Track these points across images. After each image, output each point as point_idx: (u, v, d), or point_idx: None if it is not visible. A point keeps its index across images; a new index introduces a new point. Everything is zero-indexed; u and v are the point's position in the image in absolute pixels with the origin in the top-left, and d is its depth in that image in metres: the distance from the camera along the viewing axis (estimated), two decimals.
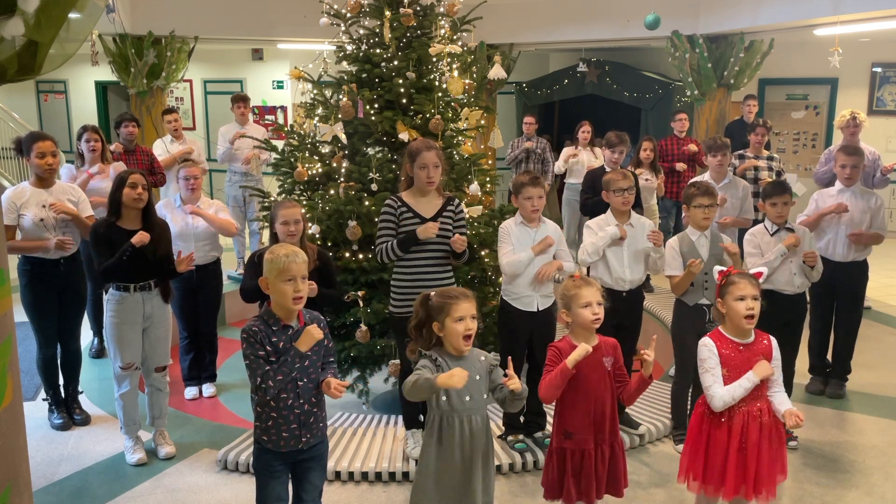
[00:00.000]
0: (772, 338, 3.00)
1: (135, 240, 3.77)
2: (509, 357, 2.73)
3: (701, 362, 2.95)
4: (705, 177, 5.33)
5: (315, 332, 2.68)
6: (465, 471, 2.69)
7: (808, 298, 4.33)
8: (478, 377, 2.72)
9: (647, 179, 6.56)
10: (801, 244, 4.08)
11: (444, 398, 2.68)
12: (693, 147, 7.45)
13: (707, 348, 2.94)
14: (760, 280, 3.01)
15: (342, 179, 4.71)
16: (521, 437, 4.01)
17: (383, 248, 3.72)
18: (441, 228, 3.74)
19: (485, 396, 2.75)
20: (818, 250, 4.31)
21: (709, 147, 5.36)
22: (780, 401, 2.91)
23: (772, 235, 4.14)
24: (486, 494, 2.76)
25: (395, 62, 4.77)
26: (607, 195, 4.20)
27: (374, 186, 4.55)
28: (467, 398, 2.68)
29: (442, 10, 4.98)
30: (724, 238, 4.06)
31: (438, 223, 3.64)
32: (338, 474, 3.80)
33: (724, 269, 3.06)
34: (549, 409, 4.08)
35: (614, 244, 4.09)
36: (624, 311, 3.99)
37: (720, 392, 2.87)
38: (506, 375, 2.68)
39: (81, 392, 4.71)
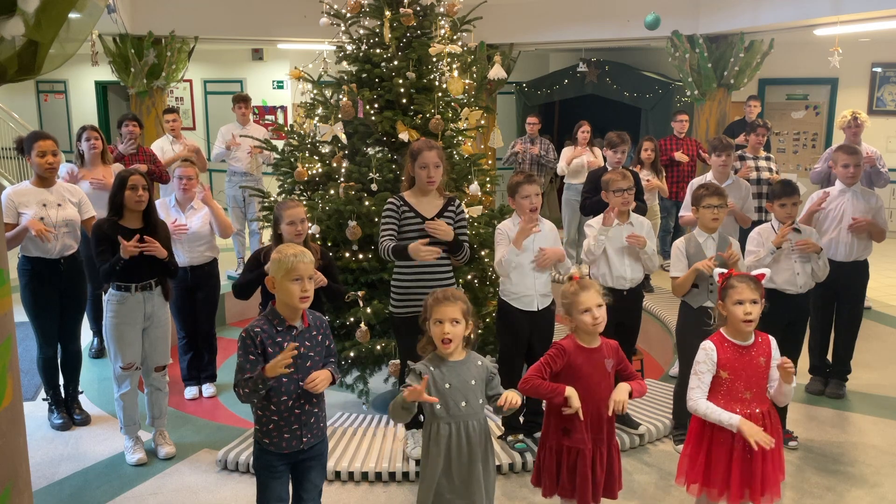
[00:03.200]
0: (771, 338, 2.99)
1: (124, 255, 3.74)
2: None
3: (695, 363, 2.97)
4: (708, 177, 5.33)
5: (285, 360, 2.57)
6: (464, 475, 2.70)
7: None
8: (473, 382, 2.72)
9: (647, 180, 6.56)
10: (792, 241, 4.08)
11: (438, 406, 2.69)
12: (684, 157, 7.39)
13: (705, 352, 2.94)
14: (763, 281, 2.99)
15: (342, 179, 4.71)
16: (521, 437, 4.01)
17: (382, 248, 3.73)
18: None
19: (480, 402, 2.75)
20: None
21: (713, 147, 5.36)
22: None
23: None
24: (487, 497, 2.76)
25: (395, 62, 4.77)
26: (607, 195, 4.21)
27: (374, 186, 4.56)
28: (463, 403, 2.68)
29: (442, 10, 4.98)
30: (730, 241, 4.04)
31: (436, 252, 3.58)
32: (338, 474, 3.80)
33: (725, 271, 3.05)
34: None
35: (615, 242, 4.10)
36: (624, 309, 3.99)
37: (697, 399, 2.89)
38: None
39: (81, 392, 4.71)
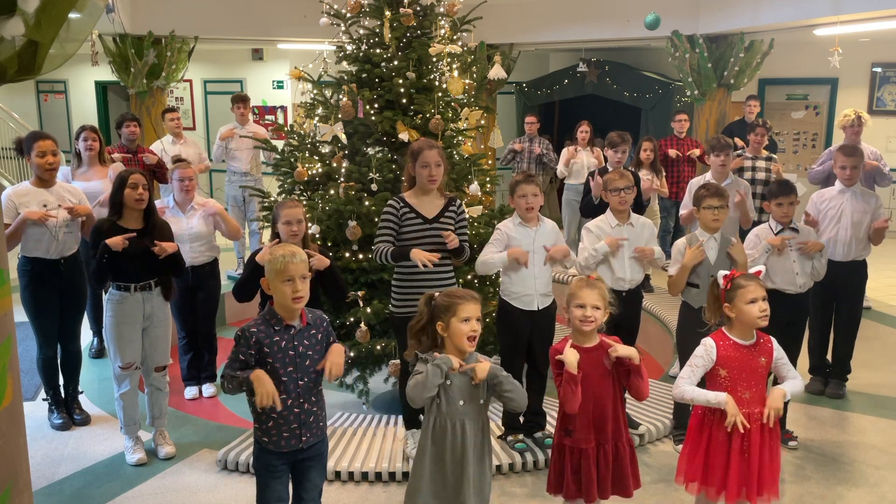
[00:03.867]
0: (773, 339, 2.99)
1: (110, 242, 3.73)
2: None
3: (692, 356, 2.98)
4: (707, 177, 5.33)
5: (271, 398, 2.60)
6: (456, 474, 2.69)
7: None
8: (474, 382, 2.72)
9: (647, 179, 6.56)
10: (788, 244, 4.08)
11: (438, 400, 2.69)
12: (696, 152, 7.46)
13: (704, 348, 2.94)
14: (760, 278, 3.00)
15: (342, 179, 4.71)
16: (521, 437, 4.01)
17: (379, 252, 3.73)
18: (441, 228, 3.74)
19: (481, 402, 2.74)
20: None
21: (711, 147, 5.36)
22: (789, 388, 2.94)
23: (776, 235, 4.13)
24: (481, 496, 2.75)
25: (395, 62, 4.77)
26: (605, 195, 4.21)
27: (374, 186, 4.56)
28: (461, 402, 2.68)
29: (442, 10, 4.98)
30: (732, 241, 4.04)
31: (436, 257, 3.62)
32: (338, 474, 3.80)
33: (728, 273, 3.04)
34: (550, 409, 4.09)
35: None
36: (622, 310, 3.98)
37: (683, 385, 2.93)
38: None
39: (81, 392, 4.71)
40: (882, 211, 4.70)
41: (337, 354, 2.74)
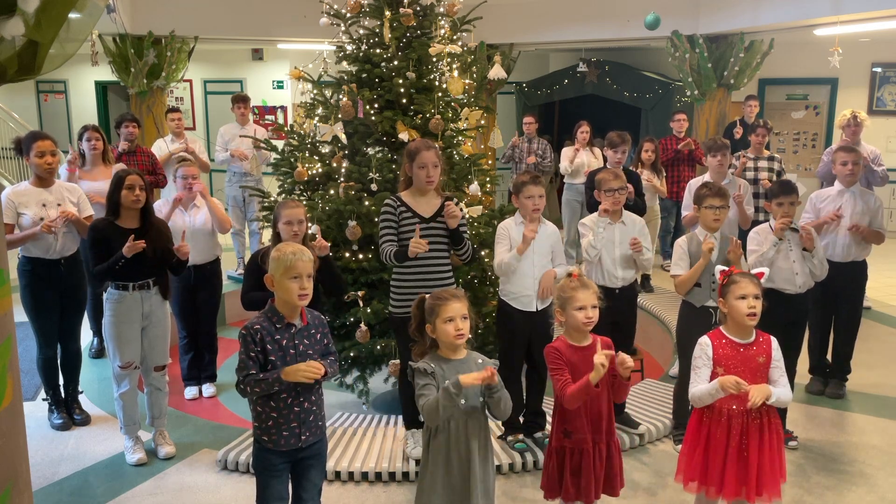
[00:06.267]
0: (772, 338, 2.99)
1: (126, 251, 3.75)
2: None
3: (692, 359, 3.00)
4: (705, 177, 5.33)
5: (308, 372, 2.63)
6: (463, 473, 2.70)
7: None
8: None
9: (647, 180, 6.56)
10: (785, 236, 4.08)
11: None
12: (690, 145, 7.43)
13: (700, 348, 2.96)
14: (762, 280, 3.01)
15: (342, 179, 4.71)
16: (520, 437, 4.02)
17: (385, 253, 3.73)
18: (439, 228, 3.74)
19: (481, 400, 2.75)
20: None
21: (709, 147, 5.36)
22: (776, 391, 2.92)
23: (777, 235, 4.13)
24: (486, 496, 2.76)
25: (395, 62, 4.77)
26: (599, 194, 4.22)
27: (374, 186, 4.56)
28: (462, 401, 2.69)
29: (442, 10, 4.98)
30: (732, 240, 4.04)
31: (427, 243, 3.61)
32: (338, 474, 3.81)
33: (726, 268, 3.06)
34: (549, 409, 4.09)
35: (607, 242, 4.12)
36: (618, 308, 4.00)
37: (693, 390, 2.93)
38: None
39: (81, 392, 4.71)
40: (882, 213, 4.70)
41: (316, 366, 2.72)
